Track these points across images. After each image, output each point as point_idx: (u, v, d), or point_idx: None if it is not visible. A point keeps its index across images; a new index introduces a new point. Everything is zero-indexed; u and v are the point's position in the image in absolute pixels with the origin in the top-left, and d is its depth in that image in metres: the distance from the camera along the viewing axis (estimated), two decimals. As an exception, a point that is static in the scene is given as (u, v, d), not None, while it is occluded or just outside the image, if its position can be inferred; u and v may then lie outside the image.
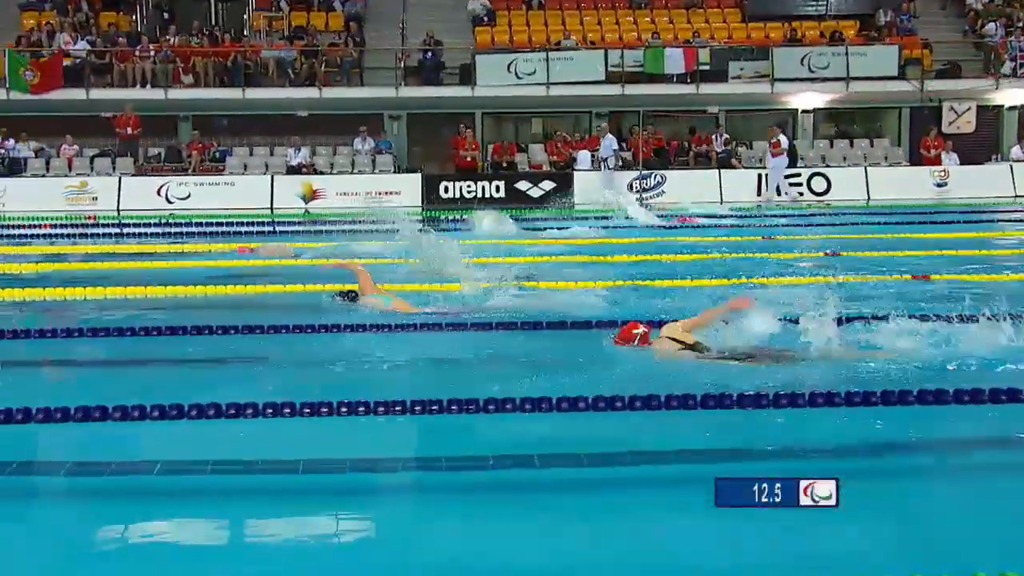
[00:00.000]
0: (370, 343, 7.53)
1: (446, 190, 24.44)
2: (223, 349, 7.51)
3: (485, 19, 28.84)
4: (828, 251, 13.89)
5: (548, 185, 24.43)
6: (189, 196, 23.40)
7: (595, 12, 29.07)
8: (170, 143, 26.61)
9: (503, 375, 6.42)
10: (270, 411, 5.23)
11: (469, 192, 24.44)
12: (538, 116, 29.00)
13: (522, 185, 24.56)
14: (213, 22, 28.89)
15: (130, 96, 25.32)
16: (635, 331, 6.89)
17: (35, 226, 17.12)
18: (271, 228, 17.28)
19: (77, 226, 17.71)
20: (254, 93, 25.95)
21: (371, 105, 26.80)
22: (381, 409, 5.25)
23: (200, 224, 16.68)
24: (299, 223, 18.55)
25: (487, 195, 24.31)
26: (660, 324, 7.13)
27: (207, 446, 5.15)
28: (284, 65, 26.41)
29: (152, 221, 17.98)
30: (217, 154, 26.09)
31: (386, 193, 24.04)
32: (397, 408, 5.27)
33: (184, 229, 16.33)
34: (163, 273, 11.83)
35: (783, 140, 24.15)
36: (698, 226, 17.61)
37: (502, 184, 24.50)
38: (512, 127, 29.05)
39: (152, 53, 26.06)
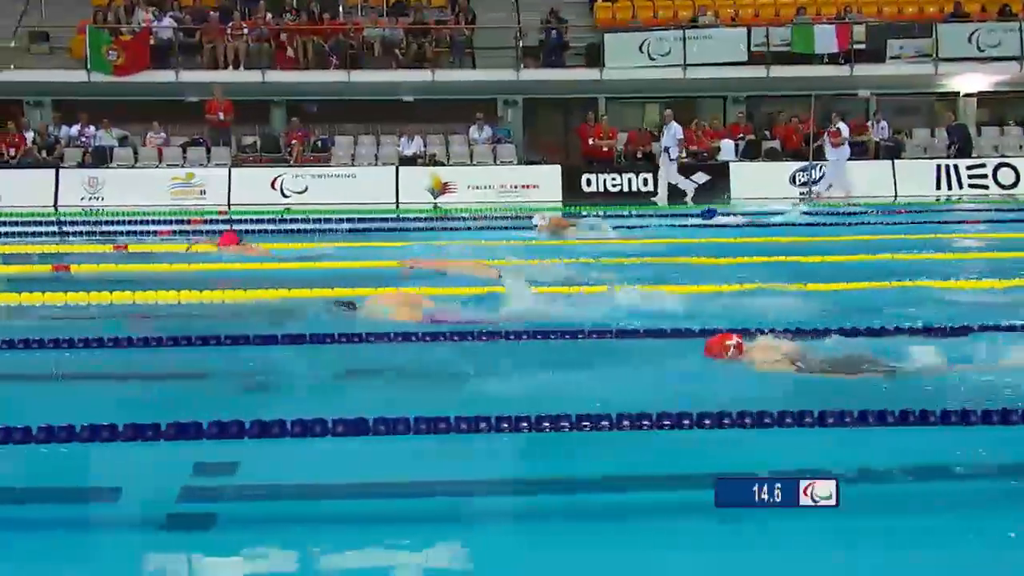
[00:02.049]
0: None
1: (588, 183, 21.80)
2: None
3: (603, -6, 26.07)
4: None
5: (702, 178, 21.78)
6: (306, 190, 20.70)
7: (727, -14, 26.35)
8: (263, 130, 23.83)
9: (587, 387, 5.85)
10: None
11: (614, 186, 21.81)
12: (653, 102, 26.34)
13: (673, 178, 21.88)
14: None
15: (225, 79, 22.51)
16: (728, 342, 6.25)
17: (183, 222, 14.54)
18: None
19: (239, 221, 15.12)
20: (360, 76, 23.16)
21: (485, 89, 24.11)
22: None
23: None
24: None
25: (634, 189, 21.69)
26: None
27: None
28: (391, 45, 23.62)
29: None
30: (319, 143, 23.30)
31: (522, 187, 21.38)
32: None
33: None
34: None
35: (843, 129, 21.70)
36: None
37: (649, 177, 21.83)
38: (629, 113, 26.34)
39: (246, 31, 23.24)
